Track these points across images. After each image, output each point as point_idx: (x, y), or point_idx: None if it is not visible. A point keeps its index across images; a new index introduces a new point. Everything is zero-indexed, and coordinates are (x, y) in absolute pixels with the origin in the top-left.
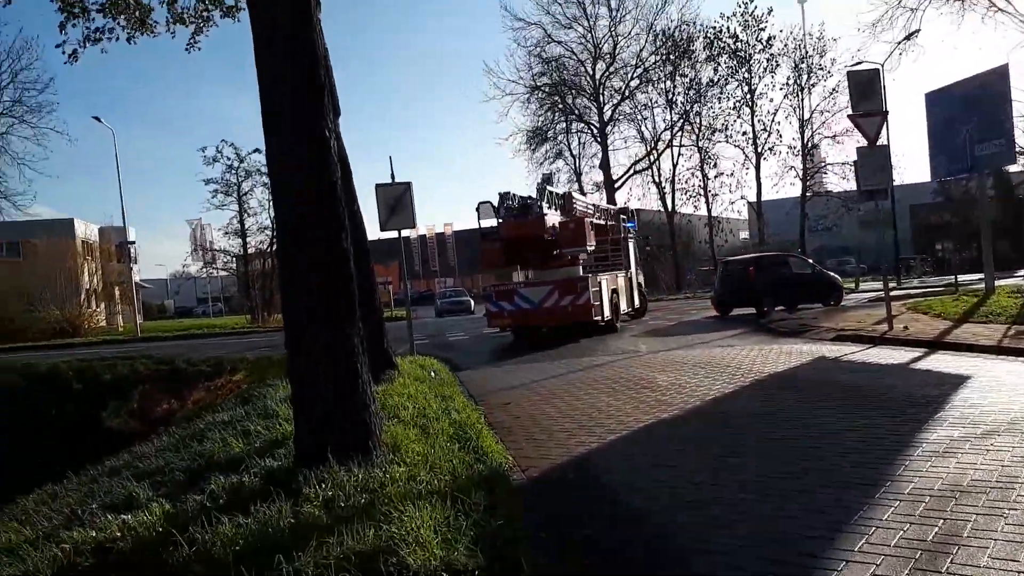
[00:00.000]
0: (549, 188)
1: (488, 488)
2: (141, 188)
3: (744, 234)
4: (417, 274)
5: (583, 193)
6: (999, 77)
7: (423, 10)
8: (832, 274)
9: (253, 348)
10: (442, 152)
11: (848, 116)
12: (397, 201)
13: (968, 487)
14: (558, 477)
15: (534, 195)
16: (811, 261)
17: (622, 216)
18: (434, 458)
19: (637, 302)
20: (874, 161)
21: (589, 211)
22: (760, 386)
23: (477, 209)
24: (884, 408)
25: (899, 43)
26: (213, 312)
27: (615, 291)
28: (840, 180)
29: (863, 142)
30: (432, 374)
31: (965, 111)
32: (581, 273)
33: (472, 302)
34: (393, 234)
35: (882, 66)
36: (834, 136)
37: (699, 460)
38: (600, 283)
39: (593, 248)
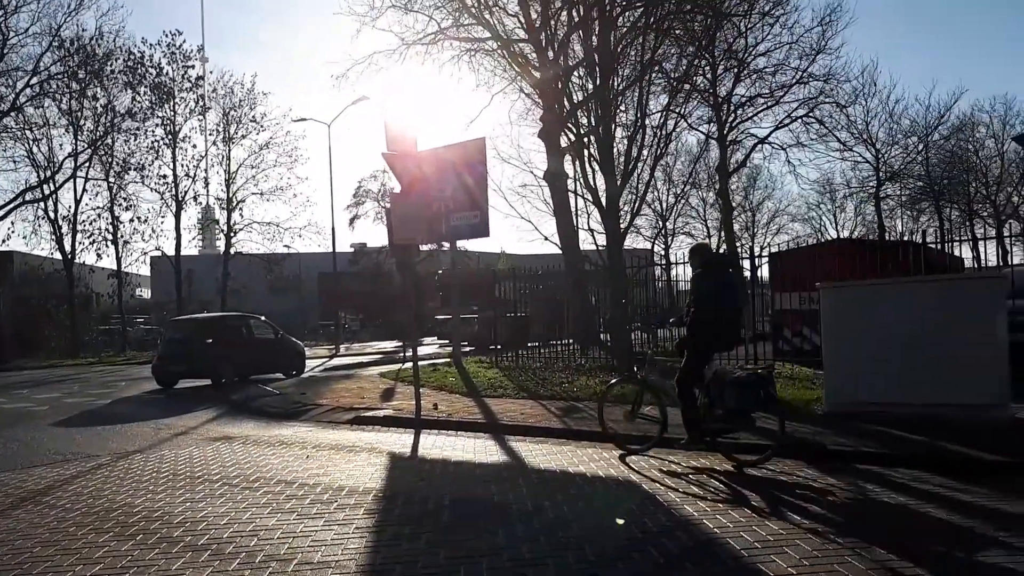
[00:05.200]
0: None
1: None
2: None
3: (142, 291)
4: None
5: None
6: (476, 150)
7: None
8: (296, 340)
9: None
10: None
11: (382, 154)
12: None
13: None
14: None
15: None
16: (274, 325)
17: None
18: None
19: None
20: (407, 210)
21: None
22: (410, 532)
23: None
24: None
25: (351, 104)
26: None
27: None
28: (265, 241)
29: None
30: None
31: (442, 179)
32: None
33: None
34: None
35: (329, 124)
36: (262, 194)
37: None
38: None
39: None
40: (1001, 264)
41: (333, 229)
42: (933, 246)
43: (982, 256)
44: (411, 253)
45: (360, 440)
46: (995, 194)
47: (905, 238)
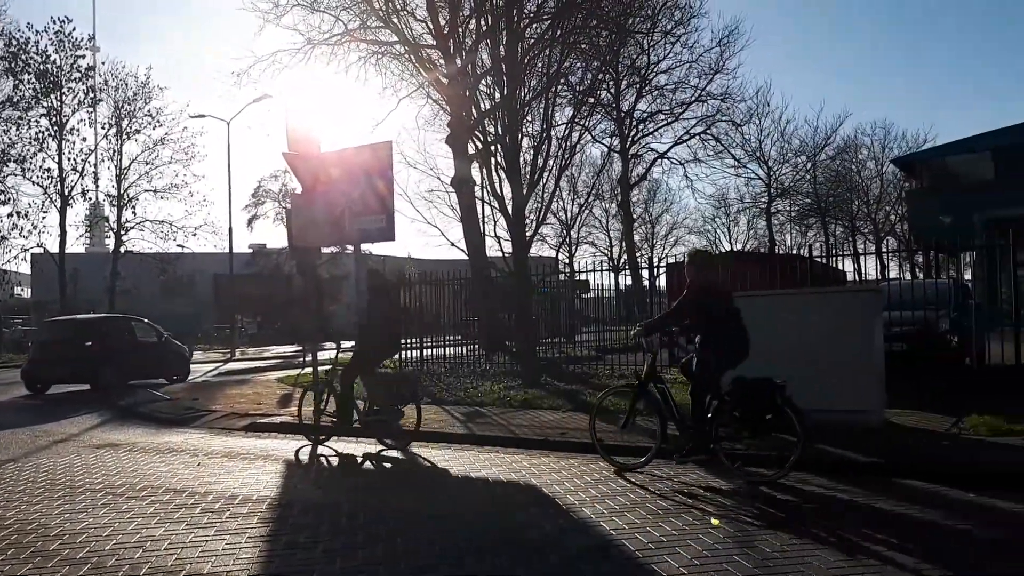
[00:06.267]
0: None
1: None
2: None
3: (22, 290)
4: None
5: None
6: (383, 153)
7: None
8: (180, 344)
9: None
10: None
11: (284, 155)
12: None
13: None
14: None
15: None
16: (157, 328)
17: None
18: None
19: None
20: (309, 212)
21: None
22: (306, 540)
23: None
24: None
25: (252, 102)
26: None
27: None
28: (158, 240)
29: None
30: None
31: (347, 182)
32: None
33: None
34: None
35: (228, 122)
36: (156, 191)
37: None
38: None
39: None
40: (879, 278)
41: (231, 229)
42: (819, 260)
43: (863, 270)
44: (312, 256)
45: (255, 447)
46: (875, 212)
47: (793, 252)
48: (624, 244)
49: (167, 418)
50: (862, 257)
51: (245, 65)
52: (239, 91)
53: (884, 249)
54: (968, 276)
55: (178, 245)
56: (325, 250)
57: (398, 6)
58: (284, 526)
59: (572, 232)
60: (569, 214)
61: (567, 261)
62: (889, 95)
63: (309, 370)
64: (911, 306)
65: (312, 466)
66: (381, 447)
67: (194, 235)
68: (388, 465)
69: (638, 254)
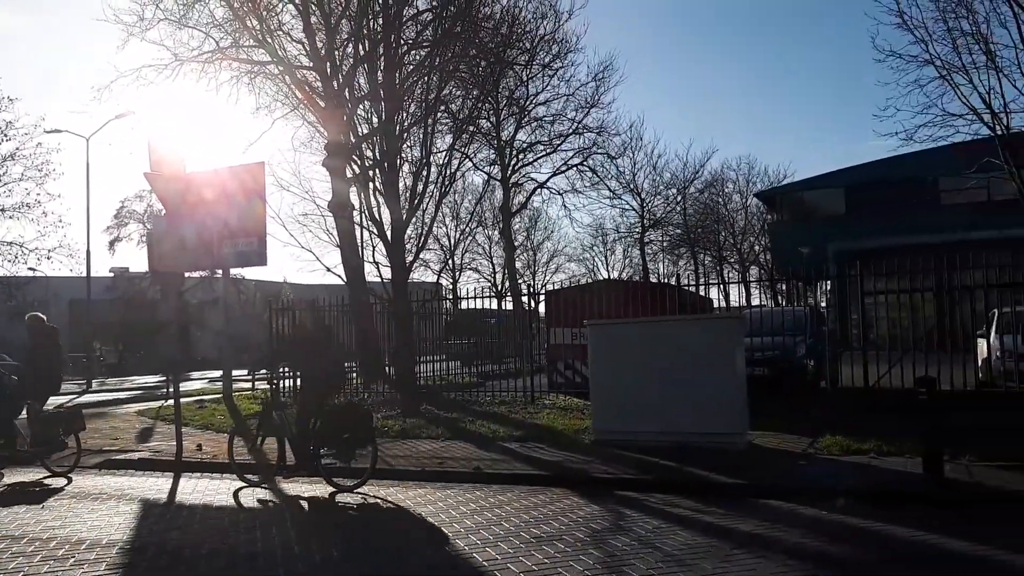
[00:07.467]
0: None
1: None
2: None
3: None
4: None
5: None
6: (255, 174)
7: None
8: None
9: None
10: None
11: (145, 175)
12: None
13: None
14: None
15: None
16: None
17: None
18: None
19: None
20: (172, 235)
21: None
22: None
23: None
24: None
25: (113, 118)
26: None
27: None
28: (5, 263)
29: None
30: None
31: (215, 204)
32: None
33: None
34: None
35: (87, 138)
36: (3, 210)
37: None
38: None
39: None
40: (741, 305)
41: (88, 252)
42: (688, 288)
43: (730, 297)
44: (175, 280)
45: (108, 486)
46: (740, 243)
47: (664, 280)
48: (506, 271)
49: (6, 456)
50: (728, 285)
51: (107, 79)
52: (100, 106)
53: (748, 278)
54: (824, 304)
55: (29, 268)
56: (196, 274)
57: (273, 26)
58: (136, 572)
59: (455, 258)
60: (452, 240)
61: (450, 287)
62: (752, 132)
63: (171, 402)
64: (772, 332)
65: (170, 505)
66: (242, 484)
67: (48, 258)
68: (258, 504)
69: (520, 281)
